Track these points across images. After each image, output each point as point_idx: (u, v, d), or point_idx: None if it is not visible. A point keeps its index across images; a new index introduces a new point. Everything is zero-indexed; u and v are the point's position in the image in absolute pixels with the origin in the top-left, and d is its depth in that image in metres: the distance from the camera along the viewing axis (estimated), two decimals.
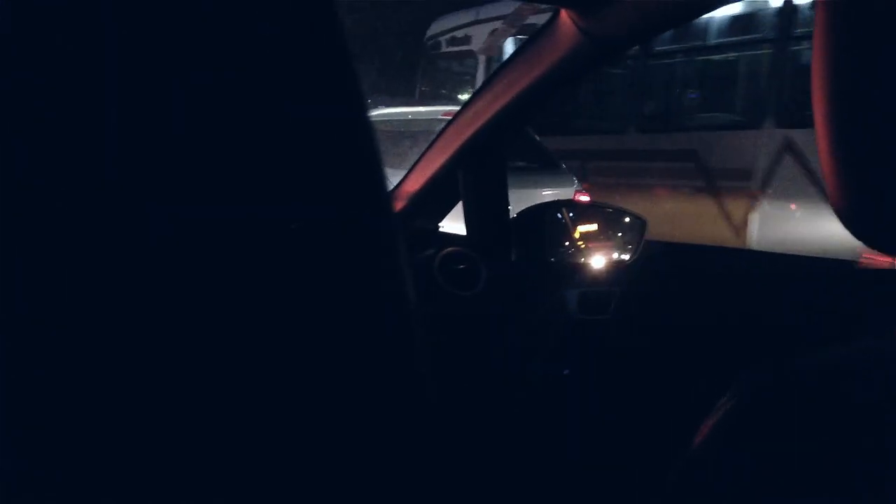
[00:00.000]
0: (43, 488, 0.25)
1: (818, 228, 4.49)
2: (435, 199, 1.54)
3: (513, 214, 1.54)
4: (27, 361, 0.24)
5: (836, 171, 0.37)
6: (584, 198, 4.63)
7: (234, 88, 0.27)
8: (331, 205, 0.29)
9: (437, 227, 1.59)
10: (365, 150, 0.30)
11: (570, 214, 1.58)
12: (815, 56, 0.36)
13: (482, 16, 8.92)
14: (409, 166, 1.53)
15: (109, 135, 0.25)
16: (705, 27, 5.82)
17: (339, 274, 0.29)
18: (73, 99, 0.25)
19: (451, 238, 1.50)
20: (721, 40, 5.86)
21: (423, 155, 1.50)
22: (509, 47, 8.02)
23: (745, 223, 5.35)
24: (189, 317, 0.26)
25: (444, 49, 9.09)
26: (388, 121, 5.10)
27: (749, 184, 5.31)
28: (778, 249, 4.63)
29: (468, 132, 1.40)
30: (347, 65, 0.30)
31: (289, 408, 0.27)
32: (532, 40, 1.30)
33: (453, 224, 1.58)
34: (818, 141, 0.37)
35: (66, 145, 0.25)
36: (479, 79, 8.34)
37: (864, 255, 2.19)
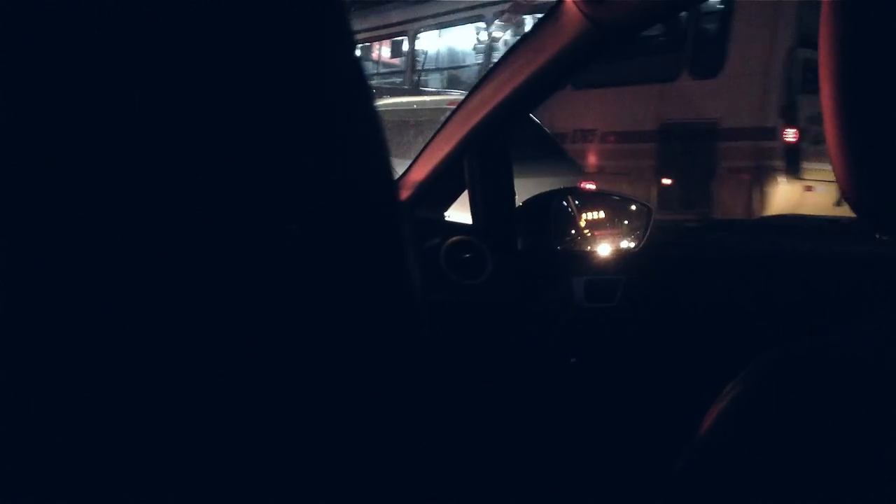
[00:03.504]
0: (43, 488, 0.25)
1: None
2: (440, 189, 1.53)
3: (518, 203, 1.53)
4: (26, 361, 0.24)
5: (844, 156, 0.37)
6: (590, 186, 4.63)
7: (241, 84, 0.26)
8: (338, 197, 0.28)
9: (443, 217, 1.59)
10: (372, 142, 0.30)
11: (576, 202, 1.58)
12: (822, 46, 0.37)
13: None
14: (414, 156, 1.53)
15: (108, 135, 0.25)
16: None
17: (345, 266, 0.29)
18: (73, 99, 0.25)
19: (457, 227, 1.50)
20: None
21: (428, 144, 1.50)
22: None
23: None
24: (192, 312, 0.26)
25: None
26: (393, 111, 5.10)
27: None
28: None
29: (473, 121, 1.39)
30: (353, 59, 0.30)
31: (292, 401, 0.27)
32: (536, 28, 1.29)
33: (459, 213, 1.58)
34: (826, 128, 0.38)
35: (66, 145, 0.24)
36: None
37: None
